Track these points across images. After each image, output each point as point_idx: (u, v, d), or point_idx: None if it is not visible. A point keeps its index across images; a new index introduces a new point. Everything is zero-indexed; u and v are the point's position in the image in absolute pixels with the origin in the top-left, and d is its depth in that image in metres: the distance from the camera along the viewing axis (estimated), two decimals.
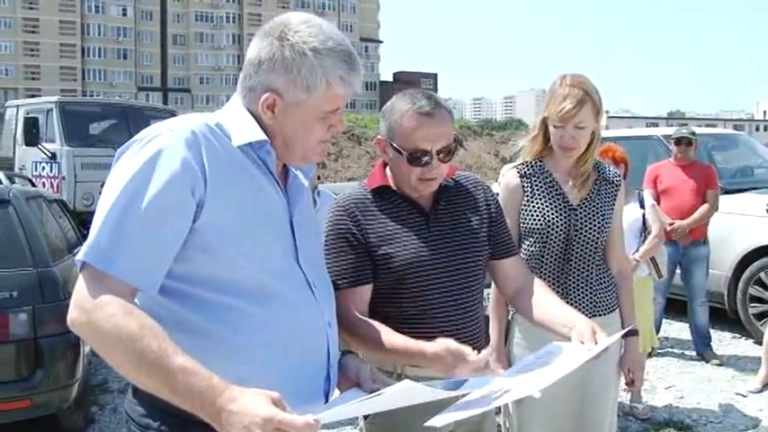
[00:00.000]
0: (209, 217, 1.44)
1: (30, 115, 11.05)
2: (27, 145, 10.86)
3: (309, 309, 1.59)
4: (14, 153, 11.44)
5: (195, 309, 1.46)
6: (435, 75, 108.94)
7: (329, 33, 1.54)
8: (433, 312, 2.07)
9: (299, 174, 1.72)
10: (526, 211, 2.58)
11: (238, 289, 1.48)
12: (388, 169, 2.17)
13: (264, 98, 1.53)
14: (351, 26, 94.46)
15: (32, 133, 10.59)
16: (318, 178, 5.48)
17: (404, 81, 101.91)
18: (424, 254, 2.07)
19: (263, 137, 1.55)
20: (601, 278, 2.62)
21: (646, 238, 4.91)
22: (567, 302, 2.49)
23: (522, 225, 2.59)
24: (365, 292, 2.06)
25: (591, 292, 2.58)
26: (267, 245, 1.53)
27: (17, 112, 11.69)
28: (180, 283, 1.46)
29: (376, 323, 1.96)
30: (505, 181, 2.64)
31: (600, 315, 2.57)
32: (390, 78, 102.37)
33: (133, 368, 1.32)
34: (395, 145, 2.04)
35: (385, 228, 2.09)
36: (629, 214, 4.67)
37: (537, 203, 2.57)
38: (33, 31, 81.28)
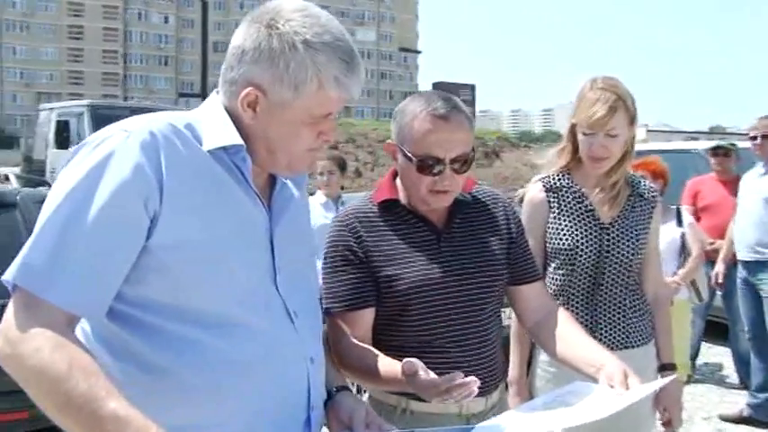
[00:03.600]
0: (164, 233, 1.25)
1: (61, 119, 11.17)
2: (58, 148, 10.96)
3: (286, 342, 1.38)
4: (47, 156, 11.54)
5: (149, 339, 1.27)
6: (473, 85, 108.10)
7: (327, 26, 1.34)
8: (440, 342, 1.87)
9: (289, 183, 1.52)
10: (552, 229, 2.35)
11: (200, 318, 1.29)
12: (398, 181, 1.97)
13: (245, 93, 1.33)
14: (390, 36, 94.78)
15: (64, 136, 10.71)
16: (342, 188, 5.29)
17: (442, 91, 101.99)
18: (433, 276, 1.86)
19: (237, 141, 1.35)
20: (635, 305, 2.38)
21: (685, 258, 4.66)
22: (597, 332, 2.32)
23: (547, 245, 2.36)
24: (365, 316, 1.86)
25: (623, 321, 2.35)
26: (237, 266, 1.33)
27: (50, 115, 11.83)
28: (132, 308, 1.27)
29: (367, 349, 1.78)
30: (529, 195, 2.41)
31: (633, 346, 2.35)
32: (429, 89, 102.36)
33: (58, 412, 1.14)
34: (404, 150, 1.84)
35: (391, 246, 1.88)
36: (666, 233, 4.45)
37: (564, 221, 2.34)
38: (77, 38, 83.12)
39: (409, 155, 1.82)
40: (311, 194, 5.85)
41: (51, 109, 12.03)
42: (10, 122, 77.26)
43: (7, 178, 6.38)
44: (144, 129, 1.28)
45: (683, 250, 4.73)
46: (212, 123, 1.37)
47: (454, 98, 1.88)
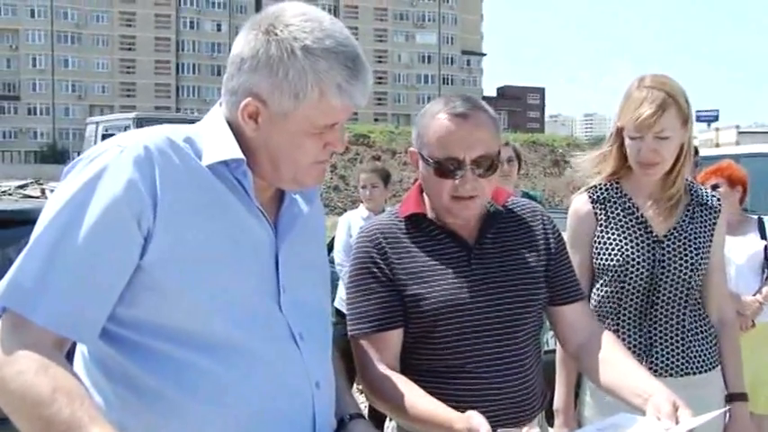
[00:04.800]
0: (159, 251, 1.27)
1: (108, 132, 11.53)
2: None
3: (290, 366, 1.38)
4: None
5: (144, 362, 1.29)
6: (543, 89, 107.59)
7: (329, 30, 1.34)
8: (470, 367, 1.82)
9: (299, 198, 1.52)
10: (600, 244, 2.28)
11: (197, 341, 1.30)
12: (425, 194, 1.94)
13: (245, 104, 1.35)
14: (452, 39, 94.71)
15: None
16: (386, 201, 5.28)
17: (508, 96, 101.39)
18: (462, 296, 1.83)
19: (237, 155, 1.36)
20: (695, 327, 2.28)
21: None
22: (652, 356, 2.25)
23: (594, 261, 2.29)
24: (393, 338, 1.84)
25: (683, 345, 2.26)
26: (236, 286, 1.34)
27: (96, 128, 12.29)
28: (126, 329, 1.29)
29: (402, 380, 1.75)
30: (574, 207, 2.35)
31: (694, 373, 2.25)
32: (494, 93, 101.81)
33: None
34: (423, 155, 1.82)
35: (417, 263, 1.86)
36: (747, 246, 4.28)
37: (613, 234, 2.27)
38: (130, 49, 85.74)
39: (428, 158, 1.80)
40: (354, 207, 5.87)
41: (98, 123, 12.53)
42: (63, 136, 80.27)
43: (43, 193, 6.62)
44: (138, 144, 1.30)
45: (767, 265, 4.52)
46: (213, 137, 1.38)
47: (476, 98, 1.87)
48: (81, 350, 1.36)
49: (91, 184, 1.25)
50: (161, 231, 1.27)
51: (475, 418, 1.54)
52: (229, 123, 1.39)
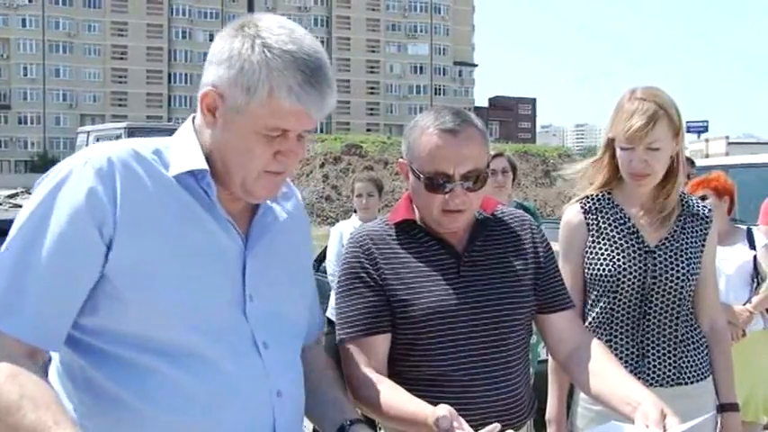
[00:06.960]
0: (120, 260, 1.30)
1: (99, 141, 11.50)
2: None
3: (249, 375, 1.39)
4: None
5: (106, 369, 1.32)
6: (534, 99, 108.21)
7: (298, 40, 1.36)
8: (457, 375, 1.82)
9: (276, 207, 1.53)
10: (592, 254, 2.28)
11: (158, 348, 1.33)
12: (415, 204, 1.95)
13: (204, 93, 1.37)
14: (444, 50, 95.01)
15: None
16: (379, 211, 5.28)
17: (500, 106, 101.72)
18: (450, 303, 1.83)
19: (201, 165, 1.38)
20: (687, 337, 2.29)
21: (758, 284, 4.47)
22: (645, 366, 2.25)
23: (587, 272, 2.29)
24: (381, 343, 1.84)
25: (675, 355, 2.26)
26: (198, 294, 1.36)
27: (87, 138, 12.31)
28: (88, 336, 1.33)
29: (387, 384, 1.76)
30: (566, 218, 2.35)
31: (686, 383, 2.25)
32: (486, 104, 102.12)
33: None
34: (414, 168, 1.83)
35: (405, 269, 1.87)
36: (736, 256, 4.30)
37: (605, 245, 2.27)
38: (122, 58, 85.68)
39: (418, 172, 1.81)
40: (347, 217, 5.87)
41: (89, 132, 12.55)
42: (54, 145, 79.97)
43: None
44: (102, 156, 1.34)
45: (757, 275, 4.54)
46: (180, 148, 1.41)
47: (466, 112, 1.88)
48: (54, 358, 1.39)
49: (52, 194, 1.29)
50: (122, 240, 1.30)
51: (446, 413, 1.53)
52: (197, 132, 1.42)
